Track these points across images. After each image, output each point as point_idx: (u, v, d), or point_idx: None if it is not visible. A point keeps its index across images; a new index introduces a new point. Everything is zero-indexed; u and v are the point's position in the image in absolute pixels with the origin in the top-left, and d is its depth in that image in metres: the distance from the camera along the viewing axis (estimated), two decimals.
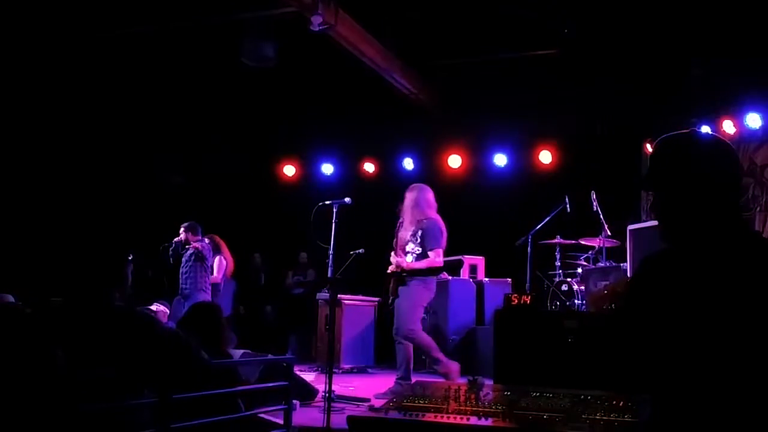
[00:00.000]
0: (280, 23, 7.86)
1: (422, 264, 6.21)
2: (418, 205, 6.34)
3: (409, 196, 6.42)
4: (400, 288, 6.32)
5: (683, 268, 1.86)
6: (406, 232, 6.36)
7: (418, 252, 6.24)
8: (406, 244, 6.32)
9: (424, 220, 6.28)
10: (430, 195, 6.43)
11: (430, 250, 6.18)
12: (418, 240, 6.24)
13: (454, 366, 6.18)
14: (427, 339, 6.32)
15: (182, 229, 8.17)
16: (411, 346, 6.25)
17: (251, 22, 7.98)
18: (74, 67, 8.76)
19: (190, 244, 8.07)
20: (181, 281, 8.00)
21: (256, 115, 10.79)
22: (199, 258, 7.93)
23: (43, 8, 7.67)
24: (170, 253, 8.16)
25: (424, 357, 7.16)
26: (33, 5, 7.62)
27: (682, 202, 1.91)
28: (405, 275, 6.26)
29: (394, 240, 6.48)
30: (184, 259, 8.04)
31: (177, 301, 8.14)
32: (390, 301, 6.45)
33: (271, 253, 11.51)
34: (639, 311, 1.90)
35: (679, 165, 1.93)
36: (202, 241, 8.11)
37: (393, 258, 6.39)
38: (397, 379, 6.24)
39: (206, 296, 7.88)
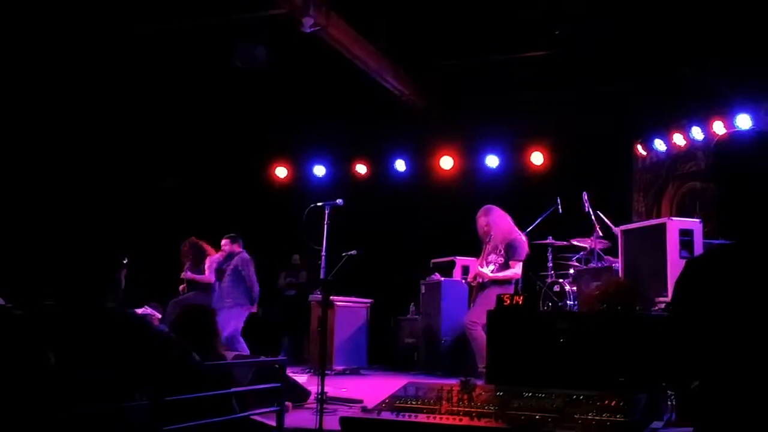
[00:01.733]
0: (271, 25, 7.85)
1: (504, 274, 6.90)
2: (499, 225, 7.06)
3: (483, 221, 7.12)
4: (479, 293, 7.02)
5: (742, 262, 1.88)
6: (491, 245, 7.09)
7: (500, 262, 6.98)
8: (489, 255, 7.08)
9: (509, 237, 7.02)
10: (502, 215, 7.13)
11: (513, 261, 6.90)
12: (501, 252, 6.98)
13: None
14: (482, 339, 6.45)
15: (226, 242, 8.32)
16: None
17: (242, 24, 7.96)
18: (66, 70, 8.71)
19: (234, 254, 8.22)
20: (224, 294, 8.14)
21: (248, 117, 10.76)
22: (239, 274, 8.10)
23: (35, 10, 7.63)
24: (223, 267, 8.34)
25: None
26: (26, 7, 7.58)
27: (743, 197, 1.94)
28: (485, 282, 6.96)
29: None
30: (226, 273, 8.20)
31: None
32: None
33: (263, 254, 11.44)
34: (695, 310, 1.90)
35: (741, 161, 1.97)
36: (242, 252, 8.27)
37: (475, 268, 7.17)
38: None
39: (243, 310, 8.12)
